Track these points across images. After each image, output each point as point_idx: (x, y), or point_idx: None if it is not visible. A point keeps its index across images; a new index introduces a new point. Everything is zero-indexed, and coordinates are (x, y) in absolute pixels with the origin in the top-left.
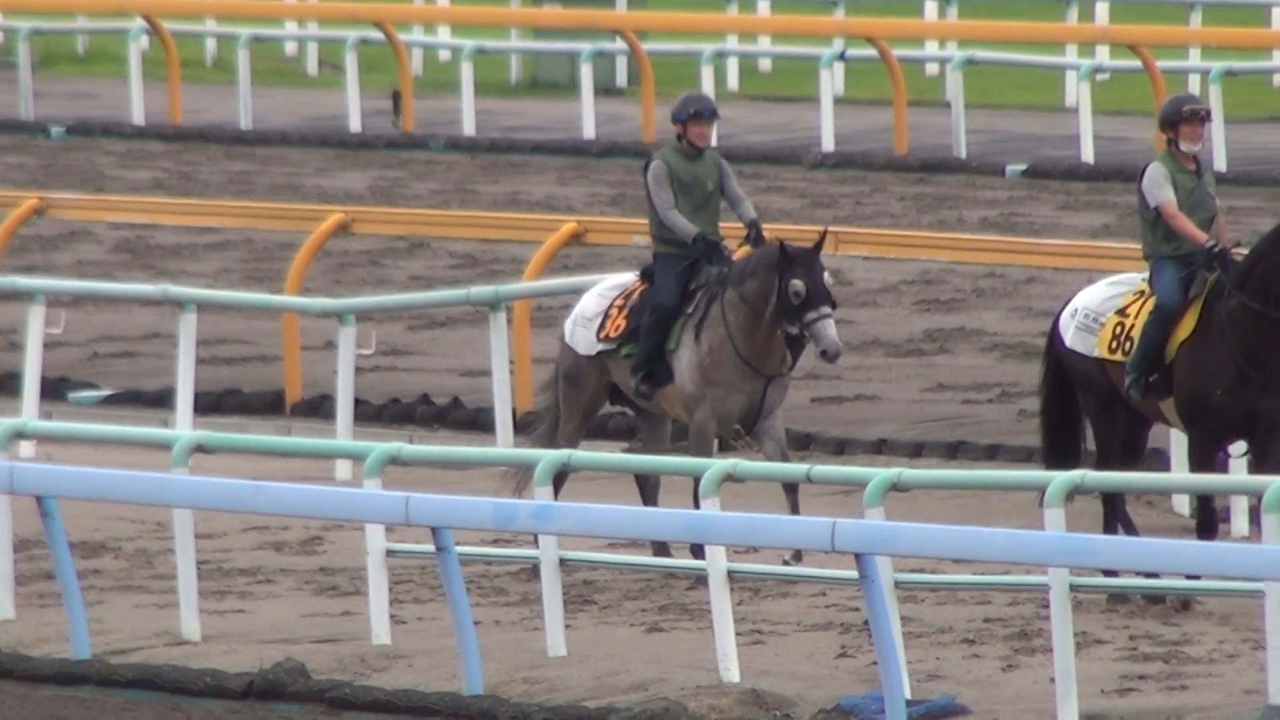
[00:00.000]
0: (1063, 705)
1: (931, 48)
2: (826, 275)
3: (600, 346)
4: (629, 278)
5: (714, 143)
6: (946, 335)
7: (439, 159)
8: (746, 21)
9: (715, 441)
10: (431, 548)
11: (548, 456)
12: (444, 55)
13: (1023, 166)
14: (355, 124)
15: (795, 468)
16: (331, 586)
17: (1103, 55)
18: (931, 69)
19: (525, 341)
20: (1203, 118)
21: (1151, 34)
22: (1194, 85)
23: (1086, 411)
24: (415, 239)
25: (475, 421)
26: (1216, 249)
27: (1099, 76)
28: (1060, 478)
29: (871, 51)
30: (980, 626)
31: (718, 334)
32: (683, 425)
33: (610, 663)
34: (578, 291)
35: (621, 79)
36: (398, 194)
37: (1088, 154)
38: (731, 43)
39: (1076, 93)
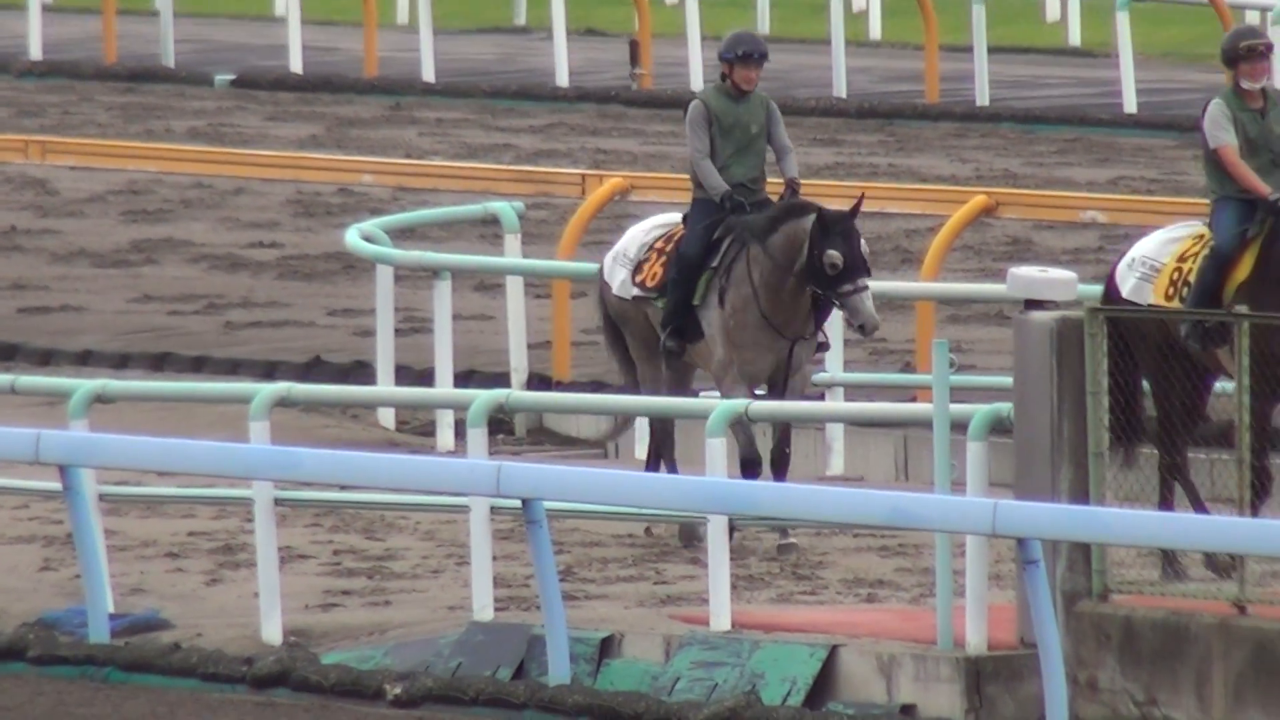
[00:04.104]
0: (266, 619)
1: None
2: (863, 242)
3: (636, 292)
4: (674, 218)
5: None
6: (154, 246)
7: None
8: None
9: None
10: None
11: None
12: None
13: (231, 76)
14: None
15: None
16: None
17: None
18: None
19: None
20: (1261, 52)
21: None
22: (402, 4)
23: (1144, 367)
24: None
25: None
26: (1278, 202)
27: None
28: (266, 390)
29: None
30: (185, 540)
31: (742, 294)
32: None
33: None
34: None
35: None
36: None
37: (296, 64)
38: None
39: (286, 2)
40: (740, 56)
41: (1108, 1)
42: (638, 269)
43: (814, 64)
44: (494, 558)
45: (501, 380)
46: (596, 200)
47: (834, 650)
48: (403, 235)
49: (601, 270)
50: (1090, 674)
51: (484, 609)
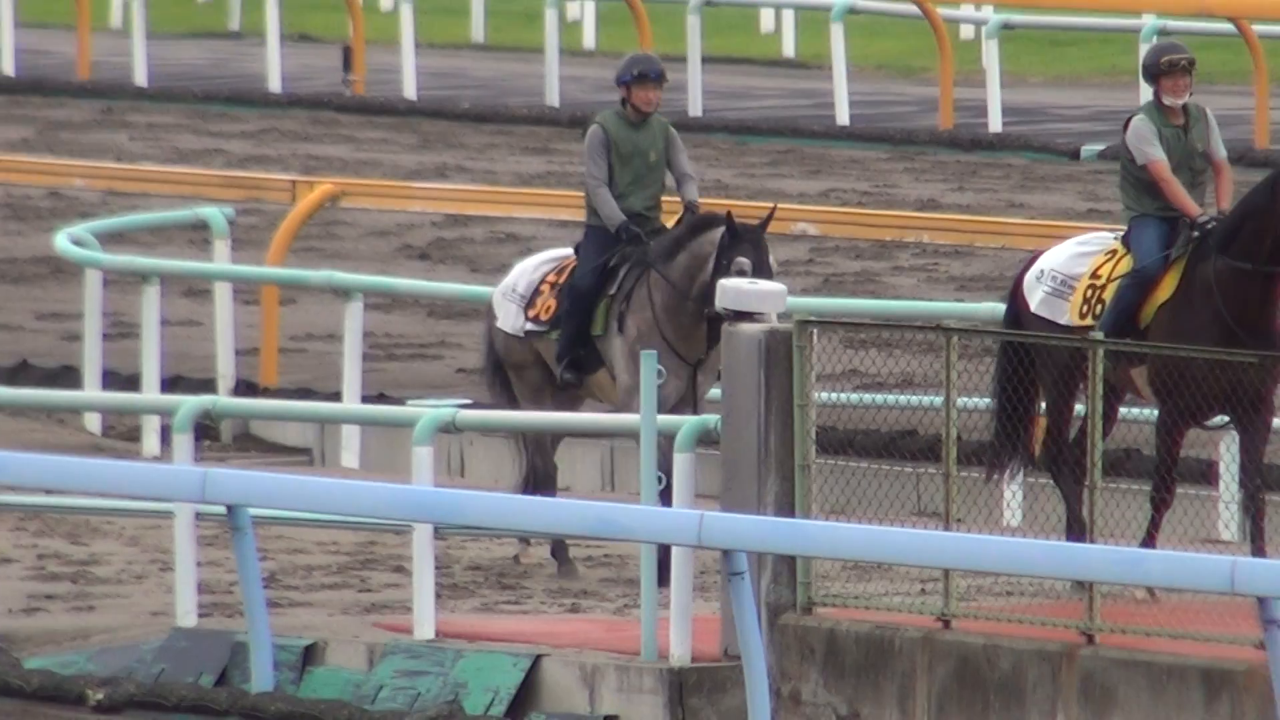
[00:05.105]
0: None
1: None
2: (771, 257)
3: (529, 327)
4: (563, 252)
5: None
6: None
7: None
8: None
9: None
10: None
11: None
12: None
13: None
14: None
15: None
16: None
17: None
18: None
19: None
20: (1184, 67)
21: None
22: (116, 7)
23: (1041, 382)
24: None
25: None
26: (1207, 224)
27: None
28: None
29: None
30: None
31: (644, 319)
32: None
33: None
34: None
35: None
36: None
37: (8, 66)
38: None
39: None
40: (637, 77)
41: (823, 14)
42: (530, 304)
43: (528, 72)
44: (198, 564)
45: (208, 386)
46: (307, 206)
47: (537, 660)
48: (112, 240)
49: (489, 307)
50: (794, 686)
51: (187, 615)
